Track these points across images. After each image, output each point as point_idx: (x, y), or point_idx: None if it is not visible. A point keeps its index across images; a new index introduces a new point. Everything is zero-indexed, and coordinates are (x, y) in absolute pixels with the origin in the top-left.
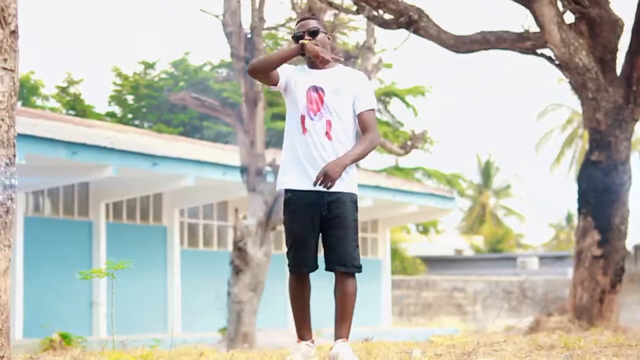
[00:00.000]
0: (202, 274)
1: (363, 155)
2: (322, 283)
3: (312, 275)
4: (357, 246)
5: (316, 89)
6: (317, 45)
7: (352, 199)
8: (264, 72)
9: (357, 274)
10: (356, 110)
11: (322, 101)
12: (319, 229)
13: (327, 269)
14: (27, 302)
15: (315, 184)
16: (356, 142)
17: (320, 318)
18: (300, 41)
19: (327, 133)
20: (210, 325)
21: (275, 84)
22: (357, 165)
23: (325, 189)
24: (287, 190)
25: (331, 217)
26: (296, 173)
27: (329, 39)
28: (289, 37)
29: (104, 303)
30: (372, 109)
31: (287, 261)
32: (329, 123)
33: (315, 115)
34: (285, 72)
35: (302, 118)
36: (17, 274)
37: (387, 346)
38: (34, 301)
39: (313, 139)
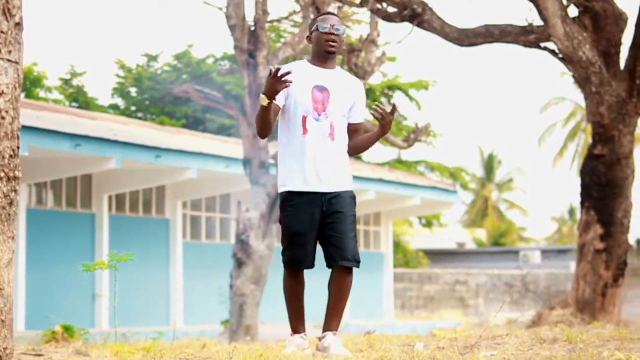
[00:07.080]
0: (205, 266)
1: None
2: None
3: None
4: (357, 241)
5: (320, 88)
6: (390, 118)
7: (351, 195)
8: (271, 128)
9: (354, 269)
10: (352, 119)
11: (327, 101)
12: (318, 227)
13: (328, 264)
14: (30, 294)
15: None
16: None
17: (316, 311)
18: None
19: (330, 134)
20: (212, 317)
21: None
22: (360, 158)
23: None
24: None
25: (332, 213)
26: (299, 176)
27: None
28: (292, 29)
29: (107, 295)
30: (362, 122)
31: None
32: (332, 125)
33: (319, 115)
34: (283, 92)
35: (304, 119)
36: (19, 266)
37: (390, 339)
38: (37, 293)
39: (316, 140)
